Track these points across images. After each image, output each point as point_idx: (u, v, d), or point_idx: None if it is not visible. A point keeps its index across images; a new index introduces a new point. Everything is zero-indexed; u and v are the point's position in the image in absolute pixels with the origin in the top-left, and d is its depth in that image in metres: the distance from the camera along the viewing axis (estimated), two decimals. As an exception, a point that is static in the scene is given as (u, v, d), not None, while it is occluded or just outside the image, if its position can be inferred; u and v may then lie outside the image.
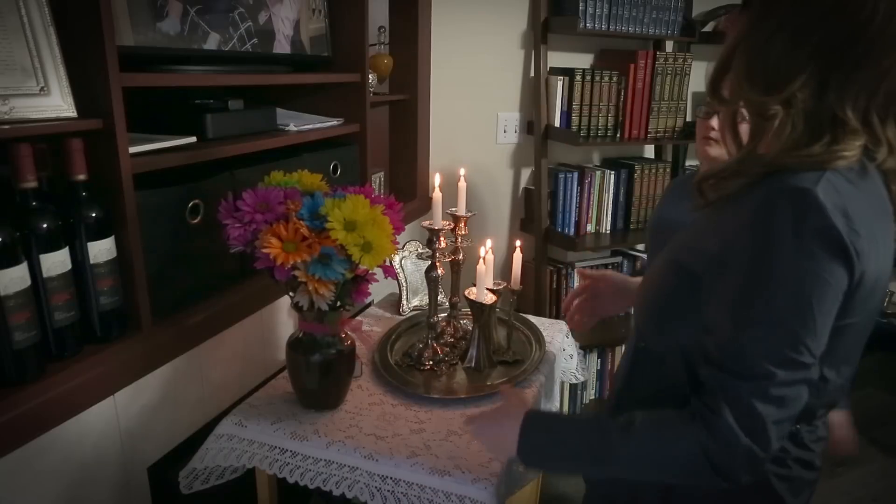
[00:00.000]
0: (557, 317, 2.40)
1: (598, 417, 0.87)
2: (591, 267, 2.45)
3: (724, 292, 0.74)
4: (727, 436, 0.72)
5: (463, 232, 1.41)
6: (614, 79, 2.20)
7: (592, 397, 2.58)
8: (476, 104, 2.25)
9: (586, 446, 0.81)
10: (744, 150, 0.78)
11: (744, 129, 0.81)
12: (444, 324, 1.50)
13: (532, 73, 2.26)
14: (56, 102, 0.94)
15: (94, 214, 0.99)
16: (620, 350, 2.51)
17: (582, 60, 2.34)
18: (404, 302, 1.67)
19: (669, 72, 2.25)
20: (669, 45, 2.42)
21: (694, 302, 0.78)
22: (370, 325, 1.58)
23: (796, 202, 0.69)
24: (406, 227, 1.93)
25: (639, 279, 1.16)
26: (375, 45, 1.97)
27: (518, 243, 1.42)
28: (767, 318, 0.71)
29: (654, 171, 2.37)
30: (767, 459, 0.74)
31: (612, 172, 2.33)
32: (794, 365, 0.71)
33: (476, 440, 0.99)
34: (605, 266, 2.49)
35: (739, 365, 0.72)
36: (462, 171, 1.44)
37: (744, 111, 0.79)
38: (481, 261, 1.32)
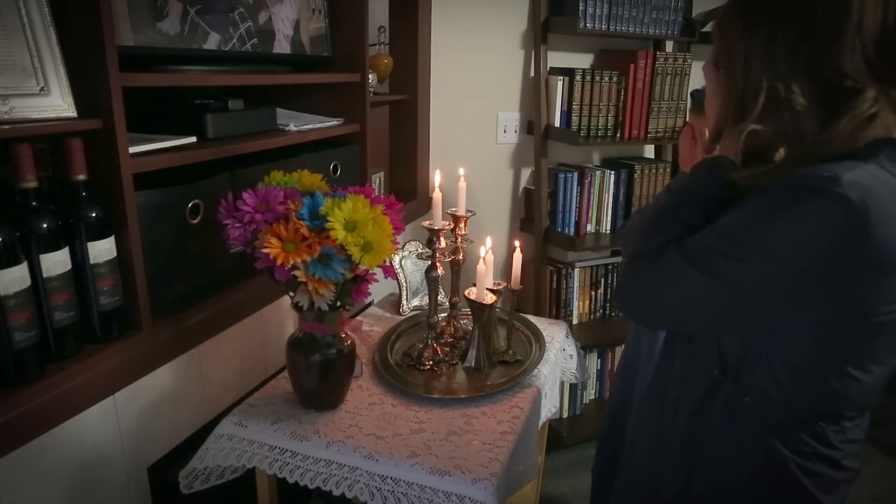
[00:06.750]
0: (557, 317, 2.40)
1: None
2: (591, 267, 2.46)
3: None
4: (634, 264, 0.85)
5: (463, 232, 1.41)
6: (614, 79, 2.20)
7: (592, 397, 2.58)
8: (476, 104, 2.25)
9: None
10: (783, 163, 0.77)
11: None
12: (444, 324, 1.50)
13: (532, 73, 2.26)
14: (56, 102, 0.94)
15: (94, 214, 0.99)
16: (620, 350, 2.51)
17: (582, 60, 2.34)
18: (404, 302, 1.67)
19: (669, 72, 2.25)
20: (669, 45, 2.43)
21: None
22: (370, 325, 1.58)
23: (821, 186, 0.69)
24: (406, 227, 1.93)
25: None
26: (375, 45, 1.97)
27: (518, 243, 1.41)
28: (732, 238, 0.75)
29: (654, 171, 2.37)
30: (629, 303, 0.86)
31: (612, 172, 2.33)
32: (711, 270, 0.75)
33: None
34: (605, 267, 2.49)
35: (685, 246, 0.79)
36: (462, 171, 1.44)
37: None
38: (481, 261, 1.32)
